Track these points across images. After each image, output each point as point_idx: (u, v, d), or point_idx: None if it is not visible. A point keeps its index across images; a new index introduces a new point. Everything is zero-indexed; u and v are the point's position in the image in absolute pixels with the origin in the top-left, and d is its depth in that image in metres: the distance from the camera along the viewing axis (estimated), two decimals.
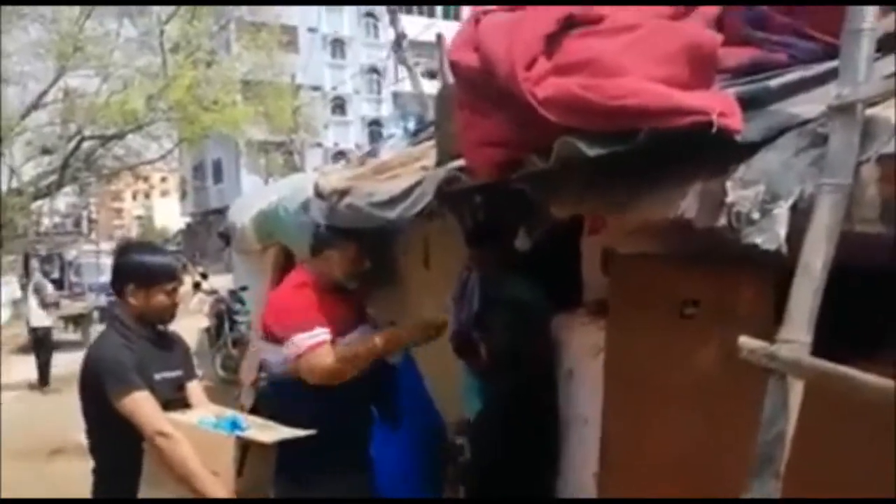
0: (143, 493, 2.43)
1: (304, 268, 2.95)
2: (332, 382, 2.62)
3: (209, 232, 36.10)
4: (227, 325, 9.49)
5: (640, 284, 2.12)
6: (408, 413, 2.94)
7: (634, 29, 1.52)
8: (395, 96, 34.82)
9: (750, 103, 1.47)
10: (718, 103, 1.39)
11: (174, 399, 2.57)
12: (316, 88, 29.27)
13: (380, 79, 34.35)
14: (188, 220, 39.48)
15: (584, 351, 2.43)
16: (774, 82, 1.55)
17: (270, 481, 2.55)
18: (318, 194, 2.84)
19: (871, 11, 1.20)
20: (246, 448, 2.39)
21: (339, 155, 31.56)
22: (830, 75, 1.56)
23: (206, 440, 2.38)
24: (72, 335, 13.81)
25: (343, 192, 2.80)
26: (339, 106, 33.54)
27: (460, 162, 2.14)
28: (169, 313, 2.62)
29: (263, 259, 6.99)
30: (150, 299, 2.54)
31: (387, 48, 34.70)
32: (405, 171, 2.93)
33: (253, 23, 21.61)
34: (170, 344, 2.72)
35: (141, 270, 2.54)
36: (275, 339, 2.78)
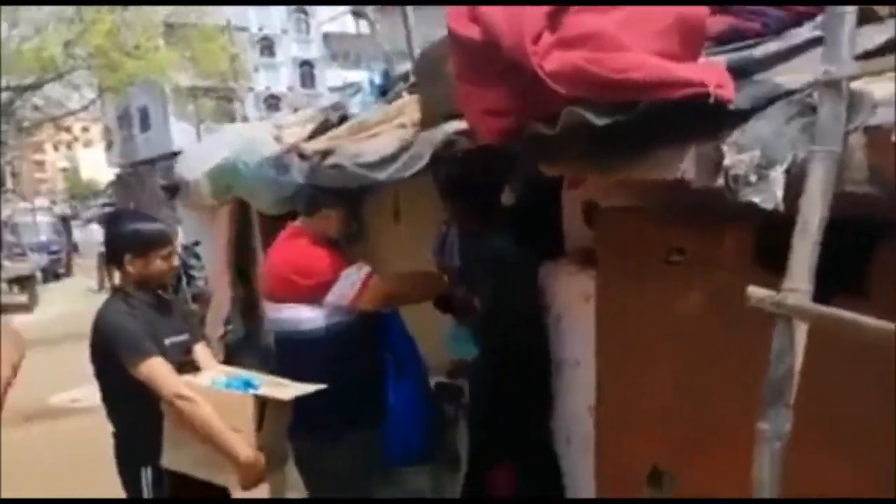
0: (166, 454, 2.53)
1: (297, 226, 3.01)
2: (389, 307, 2.99)
3: (142, 183, 34.96)
4: (184, 281, 9.42)
5: (627, 235, 2.27)
6: (410, 361, 3.09)
7: (626, 5, 1.62)
8: (326, 37, 33.93)
9: (737, 73, 1.60)
10: (713, 74, 1.51)
11: (184, 362, 2.67)
12: (242, 29, 28.25)
13: (308, 18, 33.36)
14: (117, 171, 38.12)
15: (572, 297, 2.59)
16: (758, 52, 1.68)
17: (286, 434, 2.67)
18: (301, 155, 2.87)
19: None
20: (264, 404, 2.50)
21: (272, 98, 30.77)
22: (806, 46, 1.70)
23: (224, 399, 2.50)
24: (18, 297, 13.44)
25: (326, 153, 2.84)
26: (268, 47, 32.49)
27: (452, 124, 2.23)
28: (168, 277, 2.68)
29: (218, 214, 6.92)
30: (148, 266, 2.61)
31: None
32: (384, 129, 2.98)
33: None
34: (171, 308, 2.79)
35: (136, 238, 2.59)
36: (306, 294, 2.88)
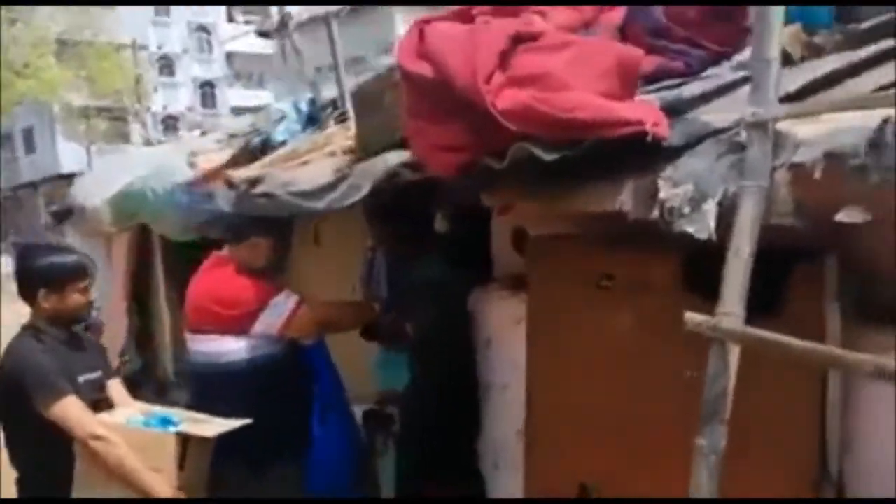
0: (80, 492, 2.43)
1: (221, 255, 2.96)
2: (318, 336, 2.95)
3: (21, 207, 32.99)
4: None
5: (557, 261, 2.38)
6: (337, 392, 3.07)
7: (570, 45, 1.74)
8: (229, 56, 33.34)
9: (669, 111, 1.73)
10: (650, 113, 1.64)
11: (98, 399, 2.56)
12: (141, 48, 27.34)
13: (210, 37, 32.71)
14: None
15: (502, 322, 2.67)
16: (686, 92, 1.82)
17: (207, 473, 2.60)
18: (229, 184, 2.83)
19: (776, 42, 1.48)
20: (185, 441, 2.43)
21: (170, 119, 29.86)
22: (729, 87, 1.87)
23: (143, 438, 2.41)
24: None
25: (254, 180, 2.82)
26: (167, 66, 31.60)
27: (393, 155, 2.28)
28: (84, 312, 2.58)
29: (116, 241, 6.67)
30: (64, 300, 2.50)
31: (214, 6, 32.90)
32: (313, 157, 2.99)
33: None
34: (83, 344, 2.68)
35: (51, 272, 2.48)
36: (231, 325, 2.82)
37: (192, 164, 4.69)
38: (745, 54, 2.20)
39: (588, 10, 2.18)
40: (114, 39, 20.99)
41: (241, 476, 2.79)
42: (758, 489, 1.83)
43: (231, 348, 2.82)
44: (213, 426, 2.47)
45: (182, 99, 31.48)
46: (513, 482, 2.73)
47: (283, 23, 4.37)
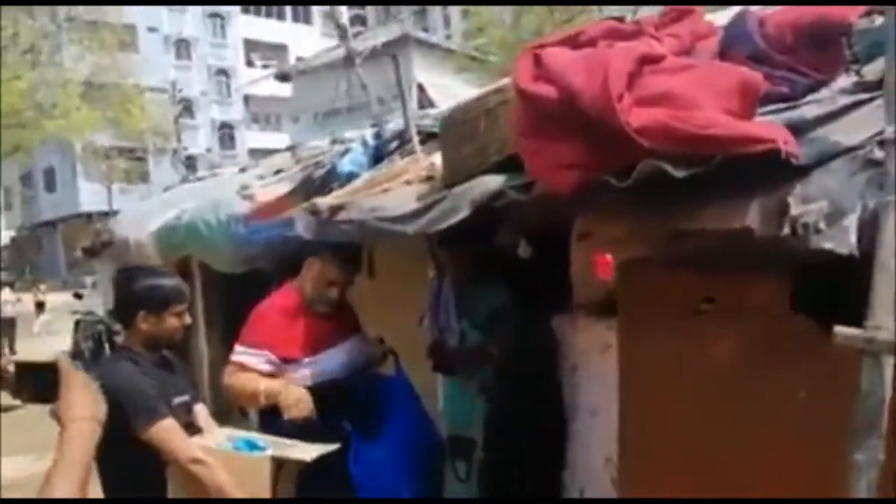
0: None
1: (290, 284, 3.00)
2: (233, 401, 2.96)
3: (39, 245, 33.32)
4: (106, 347, 8.97)
5: (650, 285, 2.38)
6: (398, 428, 3.02)
7: (693, 67, 1.78)
8: (247, 99, 33.91)
9: (793, 132, 1.75)
10: (779, 133, 1.66)
11: (188, 423, 2.55)
12: (161, 90, 27.81)
13: (228, 80, 33.30)
14: (12, 233, 36.20)
15: (589, 348, 2.66)
16: (808, 114, 1.84)
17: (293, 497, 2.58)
18: (314, 211, 2.87)
19: None
20: (279, 466, 2.42)
21: (189, 160, 30.27)
22: (846, 110, 1.89)
23: (240, 462, 2.40)
24: None
25: (337, 208, 2.86)
26: (186, 108, 32.09)
27: (493, 179, 2.31)
28: (179, 336, 2.59)
29: None
30: (161, 324, 2.52)
31: (234, 48, 33.67)
32: (392, 185, 3.03)
33: (91, 21, 20.30)
34: (173, 367, 2.69)
35: (152, 295, 2.50)
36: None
37: (246, 197, 4.75)
38: (841, 82, 2.26)
39: (686, 38, 2.23)
40: (139, 82, 21.42)
41: None
42: None
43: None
44: (309, 450, 2.46)
45: (201, 140, 31.92)
46: None
47: (350, 58, 4.41)
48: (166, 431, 2.32)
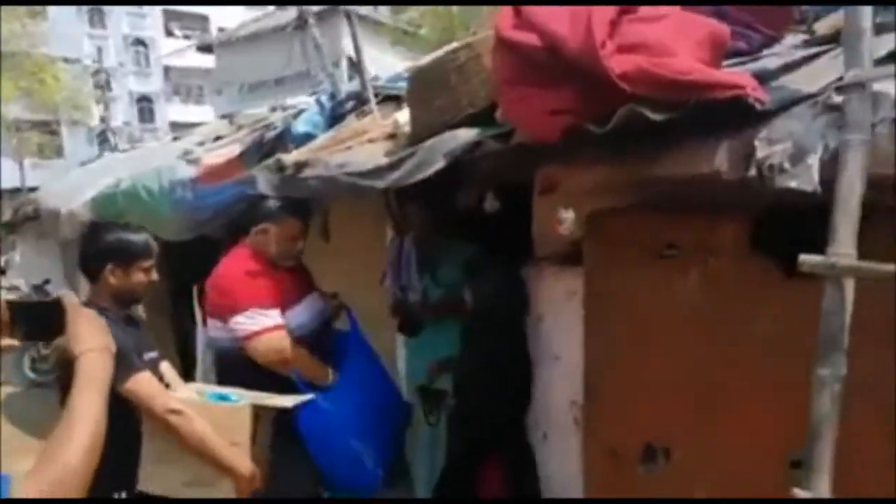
0: (146, 475, 2.40)
1: (244, 244, 2.98)
2: (279, 368, 2.77)
3: None
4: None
5: (616, 233, 2.50)
6: (350, 382, 3.05)
7: (668, 16, 1.87)
8: (167, 70, 32.69)
9: (757, 81, 1.88)
10: (747, 80, 1.78)
11: (158, 379, 2.54)
12: (74, 61, 26.45)
13: (147, 51, 32.02)
14: None
15: (555, 296, 2.78)
16: (771, 64, 1.98)
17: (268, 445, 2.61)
18: (280, 168, 2.87)
19: (869, 12, 1.65)
20: (256, 416, 2.44)
21: (103, 134, 29.01)
22: (802, 62, 2.03)
23: (219, 413, 2.41)
24: None
25: (301, 164, 2.86)
26: (105, 82, 30.71)
27: (465, 132, 2.37)
28: (145, 291, 2.56)
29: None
30: (129, 278, 2.48)
31: (152, 17, 32.32)
32: (353, 143, 3.05)
33: None
34: (138, 324, 2.66)
35: (120, 248, 2.46)
36: (220, 313, 2.85)
37: (191, 161, 4.66)
38: (790, 39, 2.42)
39: None
40: (51, 51, 20.34)
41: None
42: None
43: (226, 335, 2.86)
44: (287, 399, 2.49)
45: (118, 113, 30.61)
46: (562, 451, 2.84)
47: (303, 19, 4.35)
48: (143, 383, 2.31)
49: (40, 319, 1.46)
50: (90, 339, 1.39)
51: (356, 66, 3.60)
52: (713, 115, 1.83)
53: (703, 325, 2.29)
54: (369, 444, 2.99)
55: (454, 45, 2.65)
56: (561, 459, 2.85)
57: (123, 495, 2.45)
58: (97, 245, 2.48)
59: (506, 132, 2.19)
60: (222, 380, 2.98)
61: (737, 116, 1.82)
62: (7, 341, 1.48)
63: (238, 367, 2.83)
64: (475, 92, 2.42)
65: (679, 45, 1.80)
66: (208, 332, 2.98)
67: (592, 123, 1.88)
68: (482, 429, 2.77)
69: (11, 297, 1.55)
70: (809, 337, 2.04)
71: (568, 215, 2.69)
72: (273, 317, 2.78)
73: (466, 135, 2.31)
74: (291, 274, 3.01)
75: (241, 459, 2.36)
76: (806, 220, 1.97)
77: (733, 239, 2.22)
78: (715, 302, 2.27)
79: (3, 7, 17.47)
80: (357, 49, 3.61)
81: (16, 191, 19.78)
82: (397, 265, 3.49)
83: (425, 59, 2.80)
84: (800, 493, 1.60)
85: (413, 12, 21.59)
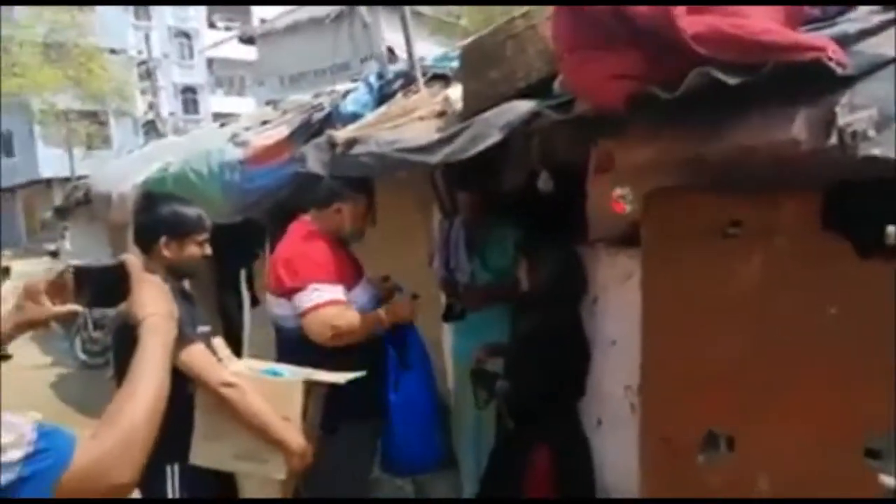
0: (199, 449, 2.39)
1: (306, 221, 2.93)
2: (328, 343, 2.69)
3: None
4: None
5: (676, 212, 2.40)
6: (419, 362, 3.05)
7: None
8: (210, 62, 33.13)
9: (837, 45, 1.77)
10: (828, 42, 1.67)
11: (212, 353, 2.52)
12: (120, 52, 26.85)
13: (191, 42, 32.46)
14: None
15: (610, 279, 2.69)
16: (850, 29, 1.86)
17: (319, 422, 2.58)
18: (331, 144, 2.83)
19: None
20: (308, 393, 2.41)
21: (150, 124, 29.51)
22: (885, 25, 1.91)
23: (272, 387, 2.40)
24: None
25: (352, 141, 2.82)
26: (147, 72, 31.20)
27: (524, 103, 2.29)
28: (200, 265, 2.55)
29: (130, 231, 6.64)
30: (182, 251, 2.48)
31: (195, 9, 32.74)
32: (403, 122, 3.00)
33: None
34: (192, 299, 2.65)
35: (173, 221, 2.46)
36: (285, 291, 2.77)
37: (240, 144, 4.66)
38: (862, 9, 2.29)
39: None
40: (99, 42, 20.72)
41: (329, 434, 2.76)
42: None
43: (292, 314, 2.80)
44: (334, 375, 2.46)
45: (162, 104, 31.10)
46: (616, 439, 2.75)
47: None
48: (197, 355, 2.30)
49: (104, 284, 1.43)
50: (154, 303, 1.37)
51: (396, 53, 3.52)
52: (790, 80, 1.73)
53: (768, 308, 2.18)
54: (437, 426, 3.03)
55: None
56: (616, 447, 2.76)
57: (176, 468, 2.46)
58: (152, 217, 2.48)
59: (565, 102, 2.11)
60: (283, 359, 2.94)
61: (816, 81, 1.72)
62: (71, 307, 1.46)
63: (300, 347, 2.80)
64: (531, 63, 2.35)
65: (753, 8, 1.71)
66: (272, 310, 2.93)
67: (661, 88, 1.79)
68: (534, 414, 2.70)
69: (77, 263, 1.52)
70: (885, 320, 1.96)
71: (626, 193, 2.60)
72: (333, 292, 2.73)
73: (523, 106, 2.23)
74: (350, 256, 2.98)
75: (293, 434, 2.34)
76: (882, 195, 1.88)
77: (802, 216, 2.10)
78: (782, 283, 2.16)
79: None
80: (405, 25, 3.56)
81: (65, 180, 20.22)
82: (445, 248, 3.43)
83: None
84: (888, 480, 1.49)
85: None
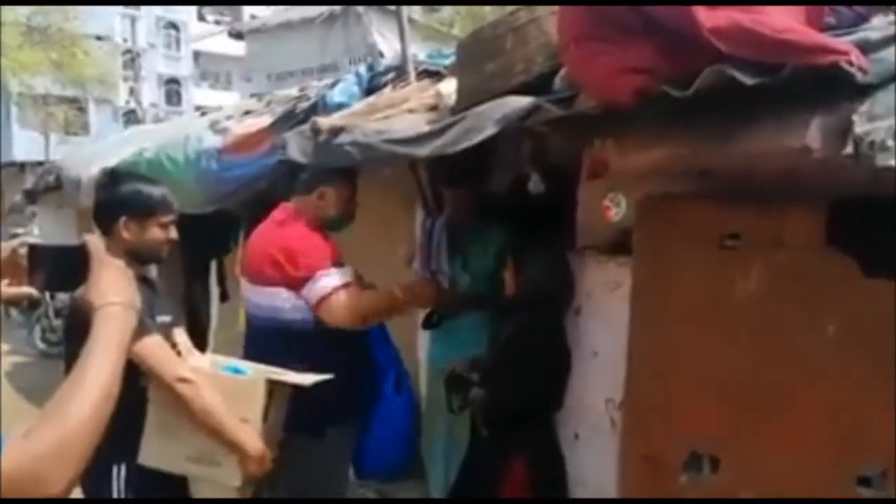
0: (148, 448, 2.23)
1: (288, 208, 2.80)
2: (354, 326, 2.57)
3: None
4: (47, 294, 8.54)
5: (671, 221, 2.31)
6: (395, 363, 2.94)
7: None
8: (196, 55, 32.81)
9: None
10: (850, 47, 1.59)
11: (171, 345, 2.37)
12: (100, 38, 26.35)
13: (178, 34, 32.14)
14: None
15: (597, 287, 2.59)
16: (872, 35, 1.78)
17: (282, 426, 2.43)
18: (315, 131, 2.70)
19: None
20: (271, 393, 2.27)
21: (131, 114, 29.11)
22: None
23: (232, 385, 2.25)
24: None
25: (337, 129, 2.70)
26: (132, 61, 30.82)
27: (521, 99, 2.18)
28: (164, 250, 2.39)
29: None
30: (144, 234, 2.31)
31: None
32: (392, 113, 2.88)
33: None
34: (154, 286, 2.49)
35: (135, 200, 2.30)
36: (288, 282, 2.63)
37: (219, 131, 4.51)
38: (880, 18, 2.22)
39: None
40: (85, 28, 20.37)
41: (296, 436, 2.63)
42: None
43: (292, 305, 2.66)
44: (301, 377, 2.31)
45: (145, 94, 30.71)
46: (595, 453, 2.65)
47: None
48: (152, 347, 2.14)
49: (62, 266, 1.29)
50: (114, 291, 1.20)
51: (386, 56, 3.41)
52: (808, 84, 1.65)
53: (764, 325, 2.10)
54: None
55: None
56: (594, 462, 2.66)
57: (122, 468, 2.30)
58: (112, 196, 2.32)
59: (566, 98, 2.01)
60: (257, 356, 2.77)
61: (834, 87, 1.64)
62: (25, 289, 1.31)
63: (300, 342, 2.65)
64: (532, 57, 2.24)
65: (774, 7, 1.62)
66: (258, 302, 2.77)
67: (672, 86, 1.70)
68: (509, 423, 2.58)
69: (35, 240, 1.36)
70: (886, 343, 1.88)
71: (618, 200, 2.50)
72: (343, 275, 2.64)
73: (521, 101, 2.12)
74: (332, 242, 2.81)
75: (251, 436, 2.20)
76: (892, 211, 1.80)
77: (806, 230, 2.02)
78: (780, 299, 2.07)
79: None
80: (399, 18, 3.45)
81: (39, 164, 19.78)
82: (427, 248, 3.31)
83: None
84: None
85: (445, 12, 21.45)
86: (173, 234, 2.38)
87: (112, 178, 2.38)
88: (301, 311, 2.66)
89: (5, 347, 8.88)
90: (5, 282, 1.26)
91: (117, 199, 2.31)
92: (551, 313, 2.61)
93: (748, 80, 1.57)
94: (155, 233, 2.33)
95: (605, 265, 2.57)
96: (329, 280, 2.59)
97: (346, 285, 2.61)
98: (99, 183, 2.46)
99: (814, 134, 1.65)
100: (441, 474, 3.24)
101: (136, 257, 2.32)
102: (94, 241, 1.28)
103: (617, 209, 2.51)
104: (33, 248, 1.27)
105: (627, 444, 2.44)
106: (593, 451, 2.65)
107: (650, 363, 2.37)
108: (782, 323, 2.06)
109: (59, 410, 1.00)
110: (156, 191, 2.35)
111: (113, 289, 1.21)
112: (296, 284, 2.63)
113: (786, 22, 1.56)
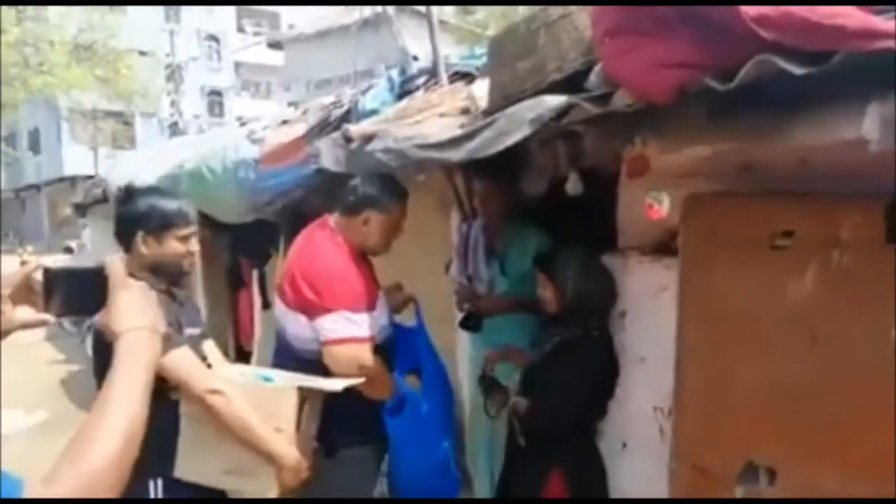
0: (183, 462, 2.21)
1: (328, 226, 2.61)
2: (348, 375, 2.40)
3: (23, 209, 32.73)
4: None
5: (719, 219, 2.20)
6: (431, 378, 2.85)
7: None
8: (237, 66, 33.33)
9: None
10: None
11: (200, 358, 2.35)
12: (143, 53, 26.89)
13: (219, 46, 32.69)
14: None
15: (642, 291, 2.49)
16: None
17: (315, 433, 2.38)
18: (346, 138, 2.66)
19: None
20: (303, 401, 2.23)
21: (174, 126, 29.69)
22: None
23: (263, 395, 2.21)
24: None
25: (369, 136, 2.65)
26: (173, 73, 31.42)
27: (550, 99, 2.10)
28: (185, 263, 2.36)
29: None
30: (162, 248, 2.29)
31: (225, 12, 33.01)
32: (424, 117, 2.83)
33: None
34: (180, 300, 2.47)
35: (151, 214, 2.27)
36: (308, 310, 2.48)
37: (256, 141, 4.52)
38: None
39: None
40: (129, 44, 20.85)
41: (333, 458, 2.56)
42: None
43: (309, 333, 2.50)
44: (332, 382, 2.26)
45: (187, 106, 31.27)
46: (643, 464, 2.55)
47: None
48: (180, 360, 2.12)
49: (78, 290, 1.23)
50: (135, 316, 1.15)
51: (432, 34, 3.36)
52: (861, 72, 1.53)
53: (820, 328, 1.97)
54: (451, 447, 2.81)
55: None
56: (641, 473, 2.55)
57: (159, 483, 2.28)
58: (128, 211, 2.30)
59: (601, 95, 1.92)
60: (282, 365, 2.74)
61: (889, 74, 1.52)
62: (41, 316, 1.26)
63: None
64: (565, 54, 2.16)
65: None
66: (282, 322, 2.64)
67: (715, 79, 1.60)
68: (549, 435, 2.49)
69: (50, 263, 1.30)
70: None
71: (661, 198, 2.40)
72: (361, 324, 2.43)
73: (555, 100, 2.04)
74: (370, 269, 2.67)
75: (286, 446, 2.16)
76: None
77: (864, 228, 1.89)
78: (837, 301, 1.94)
79: None
80: (430, 19, 3.40)
81: (89, 178, 20.33)
82: (464, 253, 3.25)
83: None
84: None
85: (480, 14, 21.38)
86: (194, 246, 2.35)
87: (127, 194, 2.34)
88: (315, 342, 2.50)
89: (59, 357, 9.11)
90: (21, 308, 1.21)
91: (133, 214, 2.29)
92: (595, 318, 2.51)
93: (797, 70, 1.47)
94: (174, 246, 2.30)
95: (648, 267, 2.47)
96: (344, 327, 2.41)
97: (357, 339, 2.42)
98: (116, 199, 2.42)
99: (870, 124, 1.54)
100: (486, 485, 3.17)
101: (158, 272, 2.30)
102: (115, 264, 1.24)
103: (660, 207, 2.40)
104: (48, 272, 1.22)
105: (677, 453, 2.34)
106: (642, 461, 2.55)
107: (700, 369, 2.26)
108: (839, 326, 1.94)
109: (81, 451, 0.96)
110: (171, 204, 2.32)
111: (133, 314, 1.16)
112: (312, 312, 2.47)
113: (835, 8, 1.45)
